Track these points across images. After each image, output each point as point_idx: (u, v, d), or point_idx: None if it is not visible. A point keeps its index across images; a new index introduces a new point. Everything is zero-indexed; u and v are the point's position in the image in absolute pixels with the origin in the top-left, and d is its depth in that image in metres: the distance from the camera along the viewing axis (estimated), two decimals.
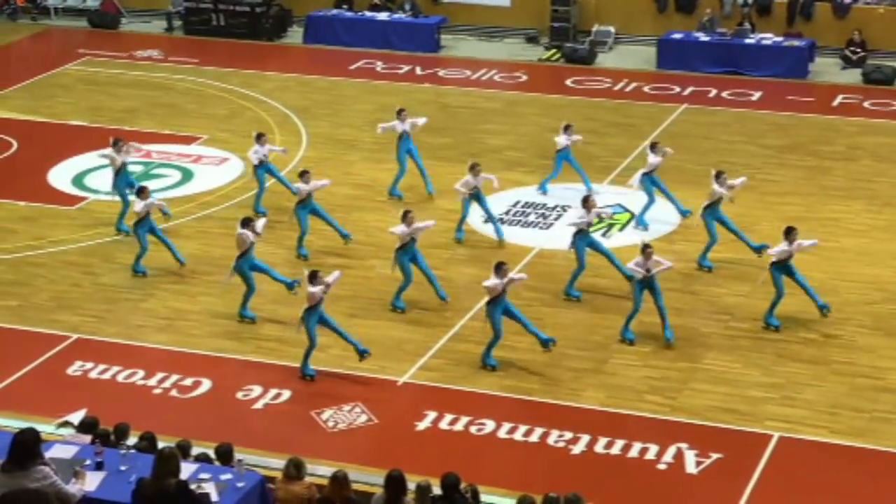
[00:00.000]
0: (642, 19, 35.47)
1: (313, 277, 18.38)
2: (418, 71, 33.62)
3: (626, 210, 24.17)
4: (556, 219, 24.00)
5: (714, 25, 33.80)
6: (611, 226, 23.61)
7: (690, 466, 16.59)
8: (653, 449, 16.92)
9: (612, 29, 35.36)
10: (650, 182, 23.23)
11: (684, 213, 23.53)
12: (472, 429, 17.48)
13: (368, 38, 35.45)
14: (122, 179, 23.33)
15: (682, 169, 25.51)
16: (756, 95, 31.24)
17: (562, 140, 24.53)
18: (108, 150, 23.40)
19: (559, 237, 22.96)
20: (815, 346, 19.36)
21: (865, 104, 30.55)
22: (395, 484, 13.22)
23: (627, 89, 31.97)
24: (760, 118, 29.64)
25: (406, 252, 20.45)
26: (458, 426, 17.54)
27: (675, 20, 34.95)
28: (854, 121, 29.38)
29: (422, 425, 17.59)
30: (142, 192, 21.78)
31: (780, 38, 33.19)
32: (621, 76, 32.85)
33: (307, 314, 18.49)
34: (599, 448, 16.99)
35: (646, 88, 31.96)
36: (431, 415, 17.78)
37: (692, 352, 19.29)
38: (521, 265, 21.99)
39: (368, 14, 36.21)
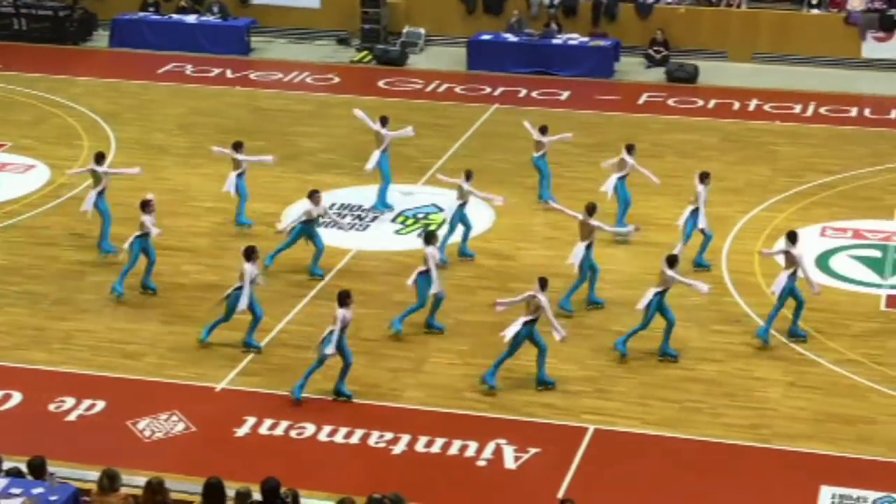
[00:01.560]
0: (452, 20, 35.77)
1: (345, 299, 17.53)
2: (229, 74, 33.31)
3: (441, 210, 24.35)
4: (371, 220, 24.02)
5: (522, 26, 34.30)
6: (426, 226, 23.74)
7: (509, 462, 16.79)
8: (472, 446, 17.06)
9: (422, 30, 35.57)
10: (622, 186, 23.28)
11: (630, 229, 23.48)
12: (293, 433, 17.38)
13: (177, 41, 34.96)
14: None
15: (494, 168, 25.86)
16: (564, 95, 31.80)
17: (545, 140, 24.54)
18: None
19: (376, 238, 23.05)
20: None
21: (669, 102, 31.37)
22: (213, 491, 13.09)
23: (439, 90, 32.23)
24: (569, 117, 30.15)
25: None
26: (278, 431, 17.42)
27: (484, 21, 35.34)
28: (659, 118, 30.12)
29: (241, 431, 17.42)
30: (146, 206, 20.60)
31: (586, 39, 33.86)
32: (433, 77, 33.09)
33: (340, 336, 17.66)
34: (420, 447, 17.07)
35: (457, 89, 32.27)
36: (251, 420, 17.62)
37: None
38: (339, 267, 21.98)
39: (176, 17, 35.71)
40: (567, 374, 18.84)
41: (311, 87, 32.52)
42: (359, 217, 24.12)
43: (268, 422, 17.58)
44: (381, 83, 32.72)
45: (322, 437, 17.30)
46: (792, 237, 19.48)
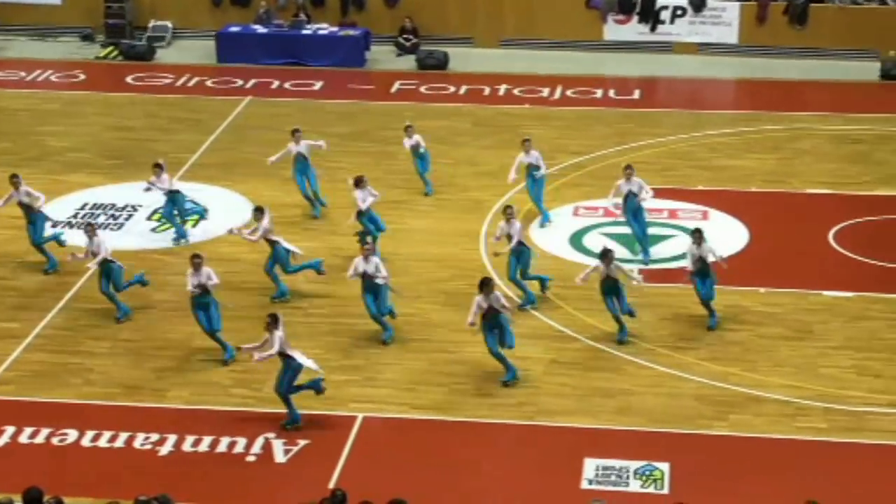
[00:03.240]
0: (199, 13, 35.31)
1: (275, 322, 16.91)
2: None
3: (198, 206, 24.04)
4: (126, 219, 23.53)
5: (270, 17, 34.11)
6: (184, 221, 23.38)
7: (279, 455, 16.70)
8: (241, 442, 16.91)
9: (169, 24, 35.01)
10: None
11: (546, 219, 23.46)
12: (54, 440, 16.91)
13: None
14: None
15: (250, 161, 25.66)
16: (318, 85, 31.78)
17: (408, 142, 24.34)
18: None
19: (131, 237, 22.61)
20: (393, 325, 19.83)
21: (422, 89, 31.68)
22: None
23: (190, 84, 31.78)
24: (323, 107, 30.16)
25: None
26: (39, 439, 16.92)
27: (232, 13, 34.98)
28: (412, 105, 30.35)
29: None
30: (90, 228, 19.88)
31: (335, 29, 33.92)
32: (183, 71, 32.61)
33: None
34: (187, 447, 16.83)
35: (209, 83, 31.87)
36: (9, 430, 17.07)
37: None
38: (93, 269, 21.45)
39: None
40: (332, 363, 18.83)
41: (56, 86, 31.66)
42: (113, 216, 23.57)
43: (27, 430, 17.07)
44: (129, 79, 32.07)
45: (85, 442, 16.89)
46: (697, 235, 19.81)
